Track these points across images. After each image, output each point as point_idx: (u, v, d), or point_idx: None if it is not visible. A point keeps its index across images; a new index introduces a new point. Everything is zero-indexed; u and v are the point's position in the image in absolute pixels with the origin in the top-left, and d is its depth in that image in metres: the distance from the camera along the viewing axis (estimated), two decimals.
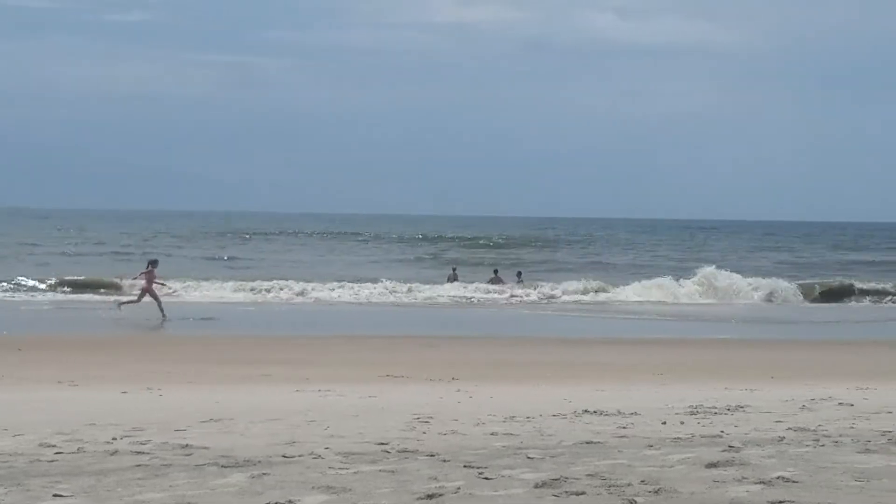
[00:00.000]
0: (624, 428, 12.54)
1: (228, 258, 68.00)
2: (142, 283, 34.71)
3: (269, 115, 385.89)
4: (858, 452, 10.30)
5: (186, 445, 10.96)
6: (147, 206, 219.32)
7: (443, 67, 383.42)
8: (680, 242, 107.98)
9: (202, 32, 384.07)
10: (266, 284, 45.54)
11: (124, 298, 36.11)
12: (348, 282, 47.97)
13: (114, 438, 11.43)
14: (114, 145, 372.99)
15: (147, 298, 34.16)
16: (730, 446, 10.73)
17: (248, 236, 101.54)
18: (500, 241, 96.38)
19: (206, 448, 10.78)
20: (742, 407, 14.67)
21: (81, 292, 42.84)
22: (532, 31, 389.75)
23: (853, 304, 48.20)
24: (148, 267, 34.98)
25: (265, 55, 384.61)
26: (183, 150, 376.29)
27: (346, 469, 9.49)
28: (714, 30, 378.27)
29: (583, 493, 8.29)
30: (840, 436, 11.67)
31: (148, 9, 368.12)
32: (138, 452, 10.54)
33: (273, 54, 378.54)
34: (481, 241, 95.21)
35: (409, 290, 45.60)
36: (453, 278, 49.05)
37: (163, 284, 36.28)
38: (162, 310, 33.56)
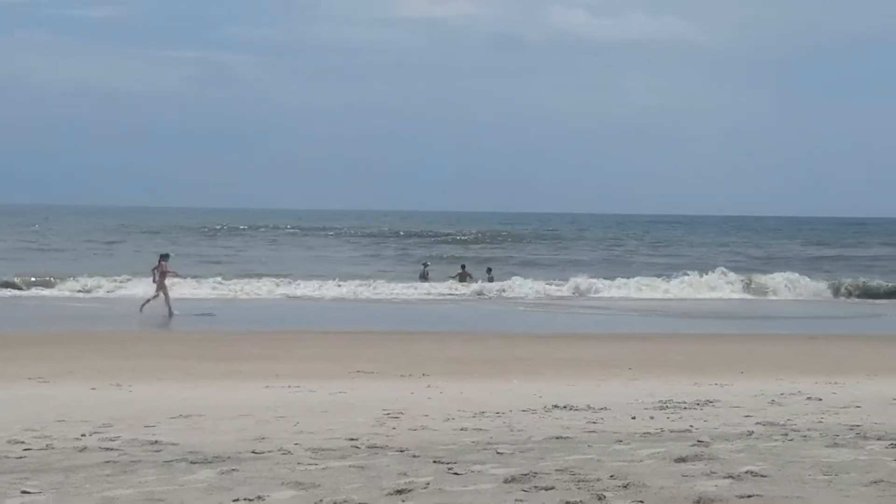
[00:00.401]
0: (594, 423, 12.57)
1: (198, 254, 67.71)
2: (161, 279, 34.06)
3: (239, 112, 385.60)
4: (827, 447, 10.36)
5: (155, 442, 10.94)
6: (116, 203, 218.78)
7: (414, 63, 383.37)
8: (644, 236, 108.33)
9: (172, 28, 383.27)
10: (238, 280, 45.44)
11: (148, 299, 34.12)
12: (319, 277, 47.88)
13: (83, 435, 11.40)
14: (83, 141, 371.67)
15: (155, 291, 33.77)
16: (699, 441, 10.77)
17: (218, 227, 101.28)
18: (471, 236, 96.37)
19: (175, 444, 10.76)
20: (711, 402, 14.72)
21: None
22: (502, 26, 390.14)
23: (828, 299, 48.23)
24: (159, 261, 34.57)
25: (235, 51, 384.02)
26: (154, 146, 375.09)
27: (316, 465, 9.49)
28: (684, 26, 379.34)
29: (552, 488, 8.31)
30: (808, 430, 11.73)
31: (117, 4, 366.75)
32: (107, 449, 10.51)
33: (243, 51, 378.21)
34: (450, 238, 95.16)
35: (380, 286, 45.55)
36: (425, 274, 49.08)
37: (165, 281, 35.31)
38: (148, 301, 33.21)
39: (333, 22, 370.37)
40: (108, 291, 41.72)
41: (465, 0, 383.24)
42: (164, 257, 34.85)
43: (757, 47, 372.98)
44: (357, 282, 46.39)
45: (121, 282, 43.31)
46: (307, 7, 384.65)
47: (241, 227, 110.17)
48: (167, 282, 33.82)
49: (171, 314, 32.78)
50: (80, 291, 41.53)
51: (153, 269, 34.43)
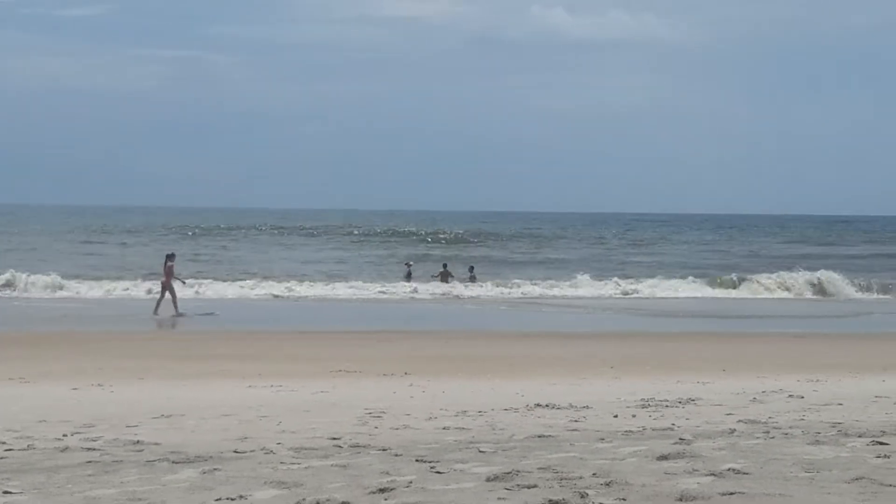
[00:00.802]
0: (576, 421, 12.58)
1: (179, 254, 67.19)
2: (168, 279, 33.86)
3: (218, 111, 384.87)
4: (808, 444, 10.39)
5: (137, 441, 10.91)
6: (95, 202, 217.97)
7: (395, 62, 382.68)
8: (626, 234, 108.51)
9: (153, 27, 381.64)
10: (220, 280, 45.35)
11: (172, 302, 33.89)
12: (302, 277, 47.82)
13: (64, 435, 11.37)
14: (62, 140, 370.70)
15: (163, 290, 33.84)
16: (681, 439, 10.79)
17: (200, 227, 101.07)
18: (455, 235, 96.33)
19: (157, 444, 10.73)
20: (693, 400, 14.75)
21: None
22: (482, 25, 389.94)
23: (813, 297, 48.24)
24: (166, 262, 34.44)
25: (215, 50, 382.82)
26: (135, 145, 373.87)
27: (298, 464, 9.48)
28: (663, 24, 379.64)
29: (534, 487, 8.31)
30: (790, 428, 11.76)
31: (97, 4, 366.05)
32: (89, 449, 10.48)
33: (223, 49, 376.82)
34: (433, 237, 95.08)
35: (363, 285, 45.54)
36: (408, 274, 49.12)
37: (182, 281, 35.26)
38: (158, 304, 33.31)
39: (314, 21, 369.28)
40: (78, 292, 41.46)
41: None
42: (171, 257, 34.84)
43: (739, 45, 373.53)
44: (340, 281, 46.33)
45: (103, 282, 43.18)
46: (287, 5, 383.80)
47: (223, 226, 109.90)
48: (170, 280, 33.85)
49: (156, 312, 32.88)
50: (59, 291, 41.36)
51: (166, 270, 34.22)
